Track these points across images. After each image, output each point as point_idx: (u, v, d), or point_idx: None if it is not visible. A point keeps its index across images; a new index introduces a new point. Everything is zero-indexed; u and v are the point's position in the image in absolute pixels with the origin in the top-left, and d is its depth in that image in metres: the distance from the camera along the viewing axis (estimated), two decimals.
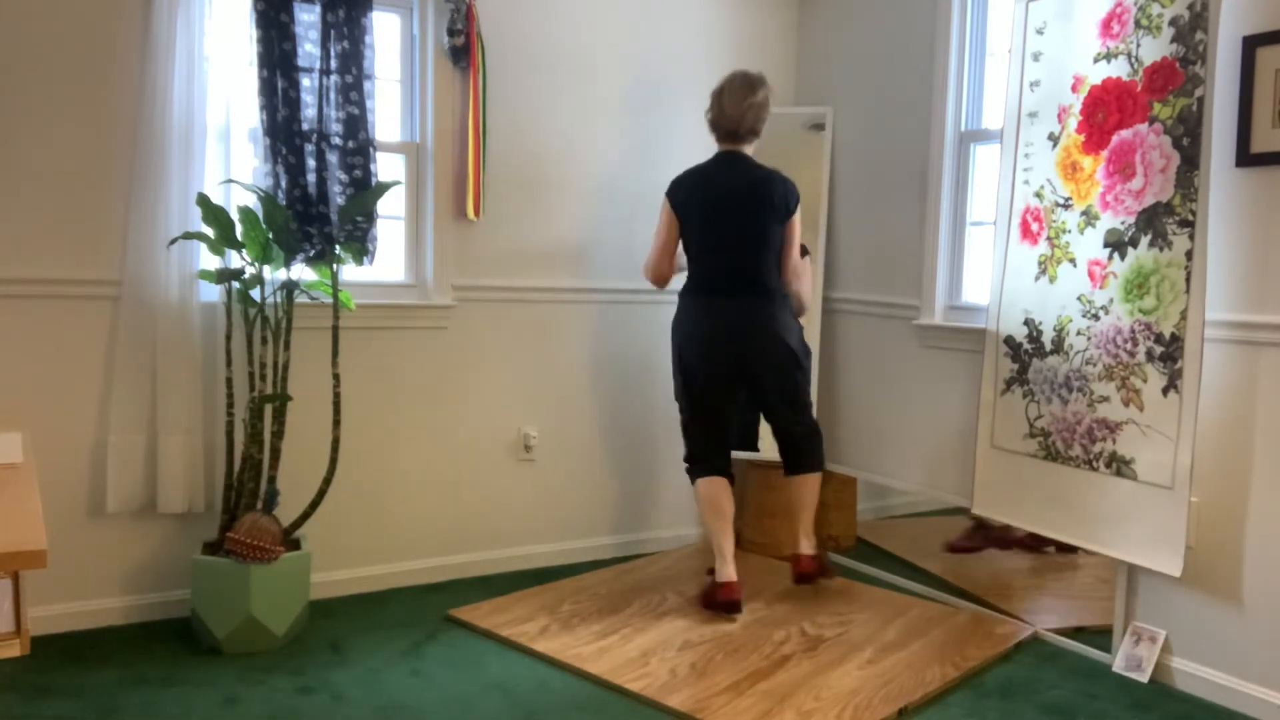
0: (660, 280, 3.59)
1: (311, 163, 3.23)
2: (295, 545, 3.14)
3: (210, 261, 3.15)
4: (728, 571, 3.37)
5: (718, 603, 3.35)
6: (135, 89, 3.08)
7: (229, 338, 3.12)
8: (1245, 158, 2.75)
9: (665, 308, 4.08)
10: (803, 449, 3.55)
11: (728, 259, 3.41)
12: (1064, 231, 3.15)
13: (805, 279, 3.66)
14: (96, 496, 3.13)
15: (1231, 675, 2.83)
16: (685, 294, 3.51)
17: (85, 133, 3.05)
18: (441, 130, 3.57)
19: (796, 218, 3.47)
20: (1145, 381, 2.91)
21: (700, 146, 4.09)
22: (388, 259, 3.58)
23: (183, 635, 3.11)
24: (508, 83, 3.70)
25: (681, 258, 3.57)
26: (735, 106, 3.40)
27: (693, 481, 3.53)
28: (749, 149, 3.50)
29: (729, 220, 3.40)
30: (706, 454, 3.50)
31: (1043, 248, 3.22)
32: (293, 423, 3.31)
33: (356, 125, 3.28)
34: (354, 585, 3.54)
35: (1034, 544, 3.94)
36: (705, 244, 3.44)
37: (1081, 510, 3.09)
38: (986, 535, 4.07)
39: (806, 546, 3.54)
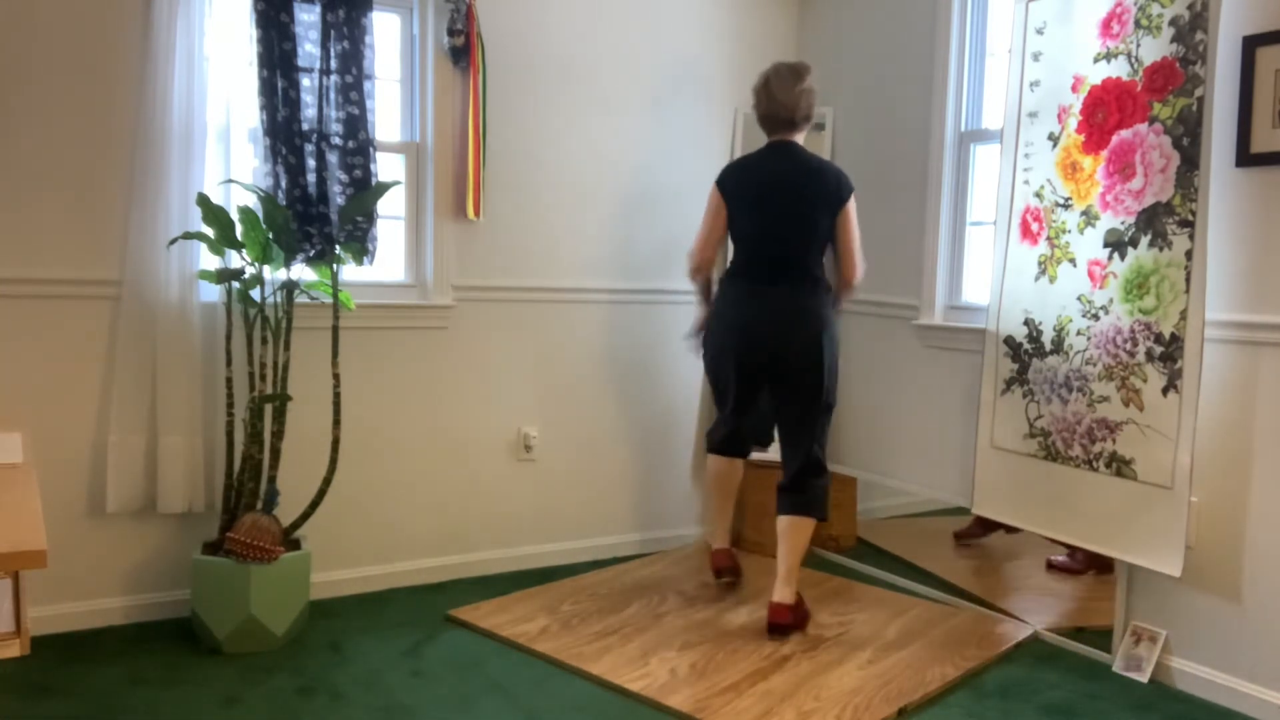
0: (701, 267, 3.44)
1: (311, 163, 3.22)
2: (295, 545, 3.14)
3: (210, 261, 3.15)
4: (718, 539, 3.63)
5: (713, 570, 3.60)
6: (135, 89, 3.08)
7: (229, 338, 3.12)
8: (1245, 158, 2.75)
9: (665, 308, 4.09)
10: (798, 485, 3.28)
11: (773, 247, 3.29)
12: (1064, 231, 3.14)
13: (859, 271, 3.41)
14: (96, 496, 3.13)
15: (1231, 675, 2.83)
16: (727, 278, 3.39)
17: (85, 133, 3.05)
18: (441, 130, 3.57)
19: (850, 207, 3.31)
20: (1145, 381, 2.91)
21: (701, 146, 4.10)
22: (388, 259, 3.58)
23: (183, 635, 3.11)
24: (508, 82, 3.69)
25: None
26: (788, 94, 3.28)
27: (707, 452, 3.67)
28: (800, 137, 3.38)
29: (778, 208, 3.28)
30: (722, 433, 3.58)
31: (1043, 248, 3.22)
32: (293, 423, 3.31)
33: (356, 125, 3.28)
34: (354, 585, 3.54)
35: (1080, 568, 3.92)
36: (752, 231, 3.33)
37: (1081, 510, 3.09)
38: (990, 521, 3.97)
39: (783, 593, 3.22)
